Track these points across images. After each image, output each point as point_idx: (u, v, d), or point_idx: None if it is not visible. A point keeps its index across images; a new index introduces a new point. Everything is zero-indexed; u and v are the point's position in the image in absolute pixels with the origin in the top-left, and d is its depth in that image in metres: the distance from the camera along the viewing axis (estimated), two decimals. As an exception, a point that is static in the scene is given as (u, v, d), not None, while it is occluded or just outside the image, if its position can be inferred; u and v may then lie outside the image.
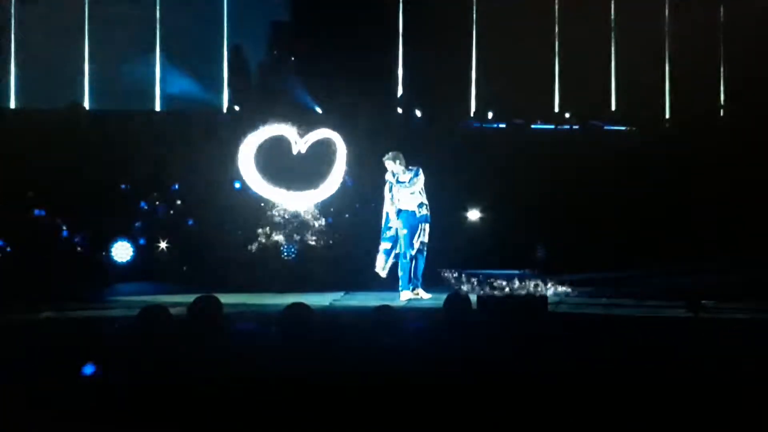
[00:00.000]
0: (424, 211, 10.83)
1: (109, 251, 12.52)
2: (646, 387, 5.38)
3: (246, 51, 16.36)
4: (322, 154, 12.38)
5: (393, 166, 10.83)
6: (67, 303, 9.52)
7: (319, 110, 14.37)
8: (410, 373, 5.70)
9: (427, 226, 10.84)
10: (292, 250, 11.56)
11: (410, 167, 10.89)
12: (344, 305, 10.16)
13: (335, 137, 12.41)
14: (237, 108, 15.20)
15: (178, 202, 13.50)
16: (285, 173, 12.28)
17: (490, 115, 16.20)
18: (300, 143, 12.36)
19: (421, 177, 10.81)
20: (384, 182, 10.97)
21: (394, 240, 10.85)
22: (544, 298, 8.13)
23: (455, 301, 8.13)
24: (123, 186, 13.68)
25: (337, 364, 6.04)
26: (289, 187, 12.24)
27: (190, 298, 7.94)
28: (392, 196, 10.81)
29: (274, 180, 12.27)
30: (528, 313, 7.70)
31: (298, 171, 12.32)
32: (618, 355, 6.52)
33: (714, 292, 9.47)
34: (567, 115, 16.35)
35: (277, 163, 12.29)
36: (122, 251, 12.63)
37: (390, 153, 10.91)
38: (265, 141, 12.30)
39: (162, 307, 7.41)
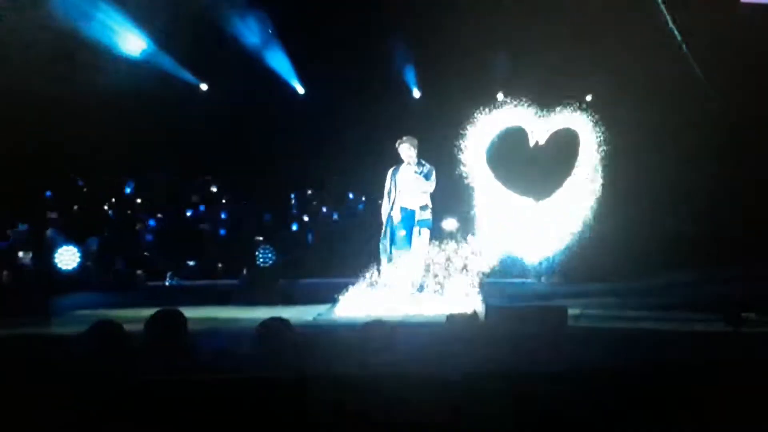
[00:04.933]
0: (426, 215, 9.68)
1: (51, 257, 11.00)
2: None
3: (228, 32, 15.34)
4: None
5: (411, 151, 9.67)
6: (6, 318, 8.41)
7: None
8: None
9: (427, 232, 9.67)
10: (269, 255, 10.48)
11: (422, 161, 9.74)
12: (330, 320, 9.00)
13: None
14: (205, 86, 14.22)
15: (139, 200, 12.56)
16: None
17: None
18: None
19: (434, 178, 9.67)
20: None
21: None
22: (564, 309, 7.00)
23: (457, 313, 7.07)
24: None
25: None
26: None
27: (149, 311, 6.77)
28: (395, 184, 9.66)
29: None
30: (546, 327, 6.60)
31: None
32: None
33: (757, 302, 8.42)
34: None
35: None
36: (67, 257, 11.00)
37: (406, 137, 9.75)
38: None
39: (115, 323, 6.46)
